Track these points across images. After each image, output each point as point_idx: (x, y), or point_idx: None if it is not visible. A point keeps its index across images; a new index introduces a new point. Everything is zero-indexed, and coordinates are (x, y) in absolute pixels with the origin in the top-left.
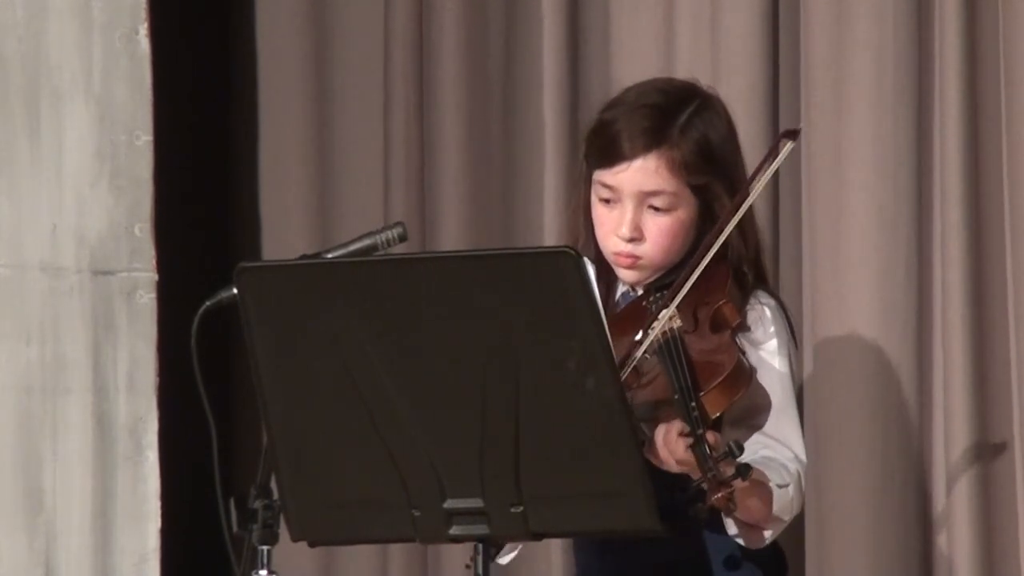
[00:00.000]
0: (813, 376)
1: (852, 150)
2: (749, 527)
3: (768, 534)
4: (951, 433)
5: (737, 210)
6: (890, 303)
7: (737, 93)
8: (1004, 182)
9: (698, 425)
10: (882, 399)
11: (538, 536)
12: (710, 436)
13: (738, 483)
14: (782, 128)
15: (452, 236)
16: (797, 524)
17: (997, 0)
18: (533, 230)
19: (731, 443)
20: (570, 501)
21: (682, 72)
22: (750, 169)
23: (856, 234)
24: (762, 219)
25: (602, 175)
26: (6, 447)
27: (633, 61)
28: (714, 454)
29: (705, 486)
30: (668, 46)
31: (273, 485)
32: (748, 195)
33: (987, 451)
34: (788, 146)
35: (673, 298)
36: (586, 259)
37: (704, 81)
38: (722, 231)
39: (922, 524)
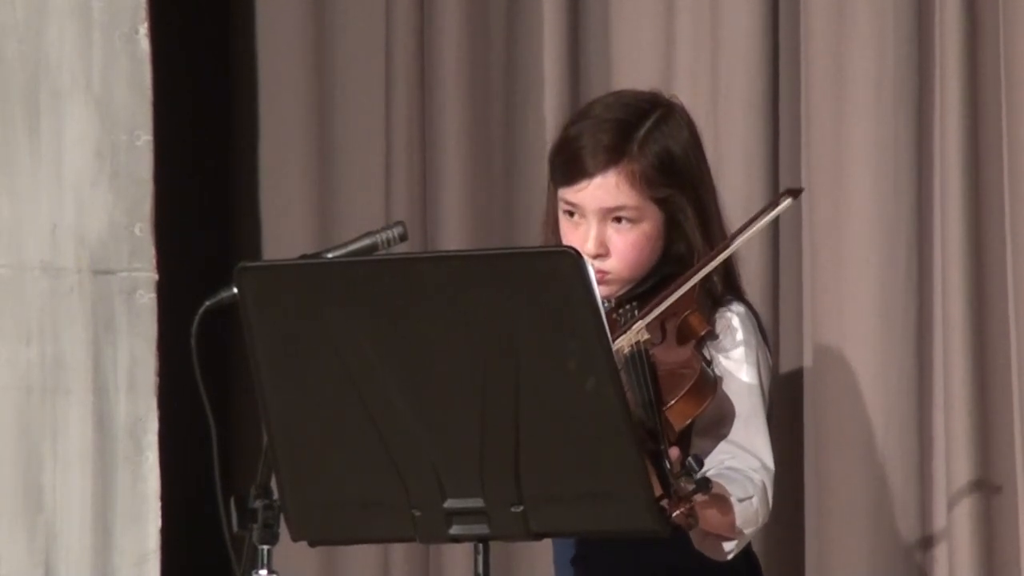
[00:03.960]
0: (813, 376)
1: (852, 150)
2: (712, 541)
3: (731, 547)
4: (951, 433)
5: (719, 254)
6: (890, 303)
7: (737, 93)
8: (1004, 182)
9: (660, 441)
10: (882, 400)
11: (538, 536)
12: (672, 452)
13: (698, 498)
14: (782, 130)
15: (453, 236)
16: (797, 525)
17: (997, 0)
18: (534, 230)
19: (690, 458)
20: (570, 501)
21: (682, 72)
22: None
23: (856, 234)
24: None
25: (565, 192)
26: (6, 447)
27: (633, 62)
28: (674, 470)
29: (665, 502)
30: (668, 47)
31: (273, 485)
32: (735, 241)
33: (987, 451)
34: (787, 202)
35: (645, 316)
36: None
37: (704, 82)
38: (700, 271)
39: (922, 524)
